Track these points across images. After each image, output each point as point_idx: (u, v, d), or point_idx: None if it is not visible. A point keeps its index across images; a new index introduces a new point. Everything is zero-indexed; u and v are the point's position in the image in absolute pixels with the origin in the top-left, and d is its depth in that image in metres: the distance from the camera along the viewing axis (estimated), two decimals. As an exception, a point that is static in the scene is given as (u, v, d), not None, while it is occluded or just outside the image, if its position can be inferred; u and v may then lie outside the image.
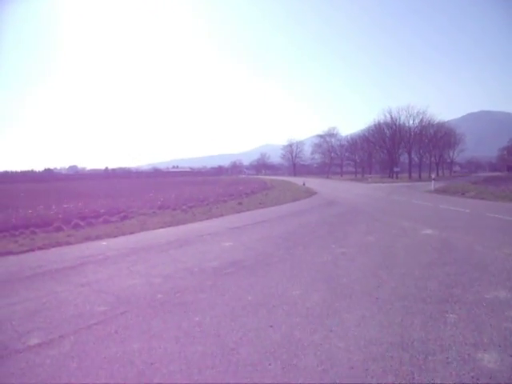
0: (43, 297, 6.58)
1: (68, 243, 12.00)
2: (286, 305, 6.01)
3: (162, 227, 15.45)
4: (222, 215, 19.53)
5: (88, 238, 12.73)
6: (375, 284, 7.02)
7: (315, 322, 5.31)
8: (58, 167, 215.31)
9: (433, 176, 41.98)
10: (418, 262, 8.61)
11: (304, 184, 41.64)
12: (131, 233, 13.99)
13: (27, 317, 5.66)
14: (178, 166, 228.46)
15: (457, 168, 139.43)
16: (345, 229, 13.77)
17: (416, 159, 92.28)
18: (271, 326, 5.15)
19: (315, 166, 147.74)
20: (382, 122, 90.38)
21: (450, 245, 10.56)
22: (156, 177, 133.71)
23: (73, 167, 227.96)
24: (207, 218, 18.28)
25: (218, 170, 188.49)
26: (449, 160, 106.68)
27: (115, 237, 13.22)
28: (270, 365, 4.15)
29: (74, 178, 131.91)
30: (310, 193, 36.06)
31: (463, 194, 31.96)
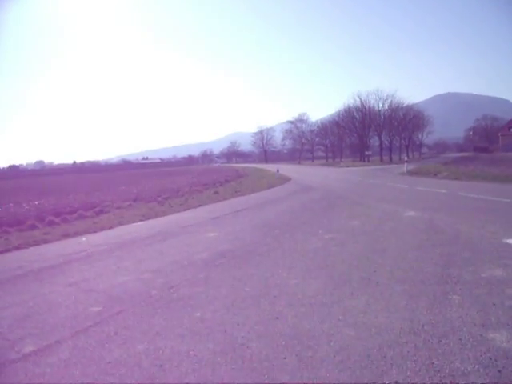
0: (30, 300, 6.23)
1: (46, 241, 11.59)
2: (287, 295, 5.84)
3: (140, 220, 15.12)
4: (199, 205, 19.31)
5: (66, 235, 12.33)
6: (371, 269, 6.90)
7: (321, 310, 5.15)
8: (24, 163, 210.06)
9: (405, 158, 42.33)
10: (409, 244, 8.54)
11: (278, 171, 41.53)
12: (110, 227, 13.63)
13: (16, 323, 5.32)
14: (147, 158, 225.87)
15: (425, 150, 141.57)
16: (328, 214, 13.69)
17: (386, 142, 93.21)
18: (277, 318, 4.97)
19: (285, 152, 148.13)
20: (351, 106, 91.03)
21: (435, 226, 10.52)
22: (126, 169, 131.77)
23: (39, 162, 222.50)
24: (185, 209, 18.02)
25: (189, 160, 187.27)
26: (418, 142, 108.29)
27: (94, 232, 12.85)
28: (285, 358, 3.97)
29: (42, 173, 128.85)
30: (284, 179, 36.03)
31: (435, 174, 32.34)
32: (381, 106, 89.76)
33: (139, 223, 14.49)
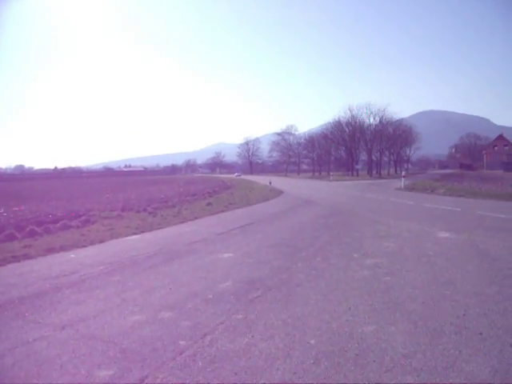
0: (7, 353, 4.46)
1: (27, 256, 9.74)
2: (372, 352, 4.23)
3: (134, 233, 13.34)
4: (196, 218, 17.63)
5: (51, 250, 10.50)
6: (456, 310, 5.39)
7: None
8: (3, 167, 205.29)
9: (403, 173, 41.29)
10: (475, 275, 7.17)
11: (270, 183, 40.14)
12: (101, 241, 11.84)
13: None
14: (130, 165, 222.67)
15: (408, 165, 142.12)
16: (349, 233, 12.16)
17: (374, 157, 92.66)
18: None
19: (270, 164, 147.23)
20: (341, 119, 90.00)
21: (484, 250, 9.21)
22: (108, 176, 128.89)
23: (19, 167, 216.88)
24: (181, 222, 16.29)
25: (172, 169, 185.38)
26: (405, 158, 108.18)
27: (83, 247, 11.05)
28: None
29: (22, 178, 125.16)
30: (277, 192, 34.60)
31: (432, 191, 31.38)
32: (371, 120, 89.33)
33: (134, 237, 12.70)
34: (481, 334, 4.67)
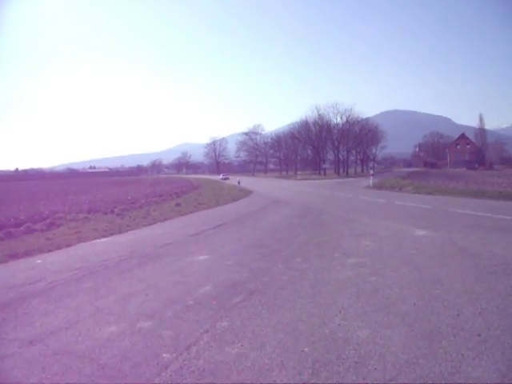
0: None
1: (-13, 264, 9.12)
2: (371, 359, 3.97)
3: (103, 236, 12.81)
4: (165, 219, 17.23)
5: (14, 255, 9.90)
6: (450, 311, 5.18)
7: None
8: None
9: (371, 172, 41.60)
10: (461, 273, 7.01)
11: (239, 183, 39.85)
12: (68, 245, 11.28)
13: None
14: (94, 166, 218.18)
15: (372, 164, 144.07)
16: (325, 232, 11.98)
17: (341, 156, 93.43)
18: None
19: (236, 164, 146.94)
20: (308, 118, 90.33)
21: (465, 247, 9.11)
22: (72, 177, 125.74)
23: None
24: (151, 224, 15.84)
25: (138, 170, 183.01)
26: (371, 156, 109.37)
27: (50, 251, 10.49)
28: None
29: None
30: (246, 191, 34.39)
31: (400, 189, 31.72)
32: (338, 119, 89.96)
33: (103, 240, 12.16)
34: (479, 335, 4.46)
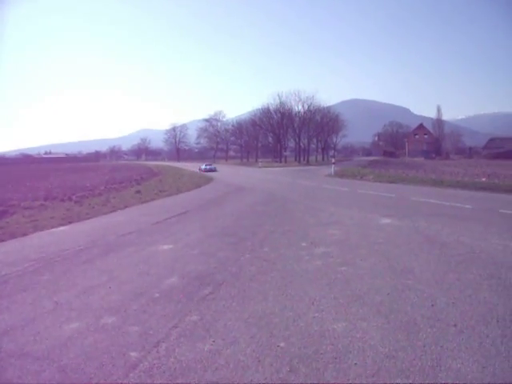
0: None
1: None
2: (350, 353, 3.86)
3: (61, 224, 12.25)
4: (126, 207, 16.75)
5: (-37, 246, 9.30)
6: (424, 302, 5.13)
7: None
8: None
9: (333, 160, 41.84)
10: (430, 261, 7.03)
11: (201, 170, 39.40)
12: (23, 234, 10.70)
13: None
14: (51, 152, 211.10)
15: (332, 152, 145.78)
16: (291, 221, 11.84)
17: (302, 144, 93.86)
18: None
19: (196, 151, 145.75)
20: (270, 106, 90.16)
21: (432, 237, 9.15)
22: (27, 163, 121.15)
23: None
24: (111, 211, 15.35)
25: (96, 156, 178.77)
26: (332, 145, 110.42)
27: (2, 241, 9.89)
28: None
29: None
30: (208, 178, 34.10)
31: (362, 177, 32.13)
32: (300, 107, 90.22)
33: (61, 228, 11.62)
34: (455, 325, 4.42)
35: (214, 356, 3.85)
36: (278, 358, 3.78)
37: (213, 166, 55.85)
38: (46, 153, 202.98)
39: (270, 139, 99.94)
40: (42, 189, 24.41)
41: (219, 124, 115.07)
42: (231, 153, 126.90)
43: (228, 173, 45.85)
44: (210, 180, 32.09)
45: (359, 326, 4.45)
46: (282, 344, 4.06)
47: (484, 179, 26.39)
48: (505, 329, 4.32)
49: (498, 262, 6.90)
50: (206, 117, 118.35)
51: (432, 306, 4.98)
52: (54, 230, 11.46)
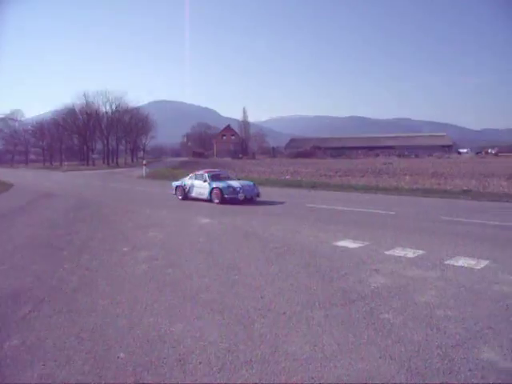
0: None
1: None
2: (193, 354, 3.86)
3: None
4: None
5: None
6: (255, 294, 5.48)
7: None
8: None
9: (144, 162, 41.37)
10: (252, 256, 7.50)
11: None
12: None
13: None
14: None
15: (144, 154, 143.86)
16: (108, 225, 11.56)
17: (111, 146, 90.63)
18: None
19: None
20: (75, 105, 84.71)
21: (251, 233, 9.77)
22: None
23: None
24: None
25: None
26: (141, 146, 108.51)
27: None
28: None
29: None
30: (6, 185, 30.54)
31: (174, 178, 32.38)
32: (108, 108, 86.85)
33: None
34: (284, 313, 4.80)
35: (47, 382, 3.49)
36: (120, 370, 3.61)
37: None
38: None
39: (76, 141, 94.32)
40: None
41: (17, 124, 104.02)
42: (32, 156, 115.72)
43: (30, 178, 41.86)
44: (9, 187, 28.82)
45: (196, 325, 4.52)
46: (121, 355, 3.89)
47: (288, 177, 28.88)
48: (326, 310, 4.86)
49: (312, 251, 7.66)
50: (1, 116, 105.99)
51: (261, 297, 5.32)
52: None
